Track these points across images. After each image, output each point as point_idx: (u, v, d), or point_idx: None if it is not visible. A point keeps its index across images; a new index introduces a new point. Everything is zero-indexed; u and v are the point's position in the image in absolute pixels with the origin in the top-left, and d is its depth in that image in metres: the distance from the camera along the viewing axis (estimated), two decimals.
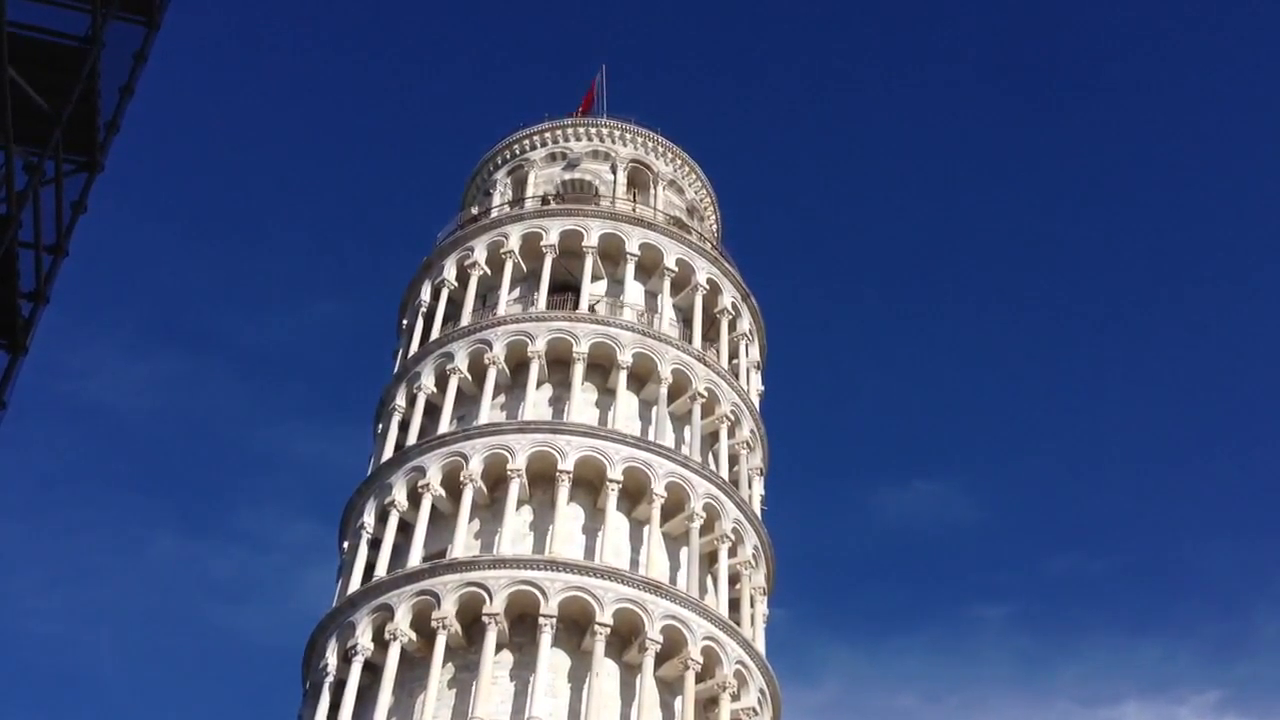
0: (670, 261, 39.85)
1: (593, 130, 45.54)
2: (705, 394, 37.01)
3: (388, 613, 31.00)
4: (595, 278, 39.17)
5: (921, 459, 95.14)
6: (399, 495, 33.88)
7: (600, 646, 29.90)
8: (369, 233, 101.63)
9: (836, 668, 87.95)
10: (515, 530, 32.69)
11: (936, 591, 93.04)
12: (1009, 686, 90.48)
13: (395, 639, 30.48)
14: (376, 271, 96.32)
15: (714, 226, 47.46)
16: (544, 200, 42.80)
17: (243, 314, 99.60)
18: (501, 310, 37.86)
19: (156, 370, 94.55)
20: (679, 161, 46.37)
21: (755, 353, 41.89)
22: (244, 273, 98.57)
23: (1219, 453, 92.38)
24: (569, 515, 32.80)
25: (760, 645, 34.13)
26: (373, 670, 30.88)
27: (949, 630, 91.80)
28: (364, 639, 31.08)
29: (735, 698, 31.64)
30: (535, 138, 45.51)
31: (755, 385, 41.15)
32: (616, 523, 33.15)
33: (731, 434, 37.69)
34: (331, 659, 31.41)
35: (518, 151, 45.55)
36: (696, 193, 46.84)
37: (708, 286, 40.33)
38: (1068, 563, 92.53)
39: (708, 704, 31.76)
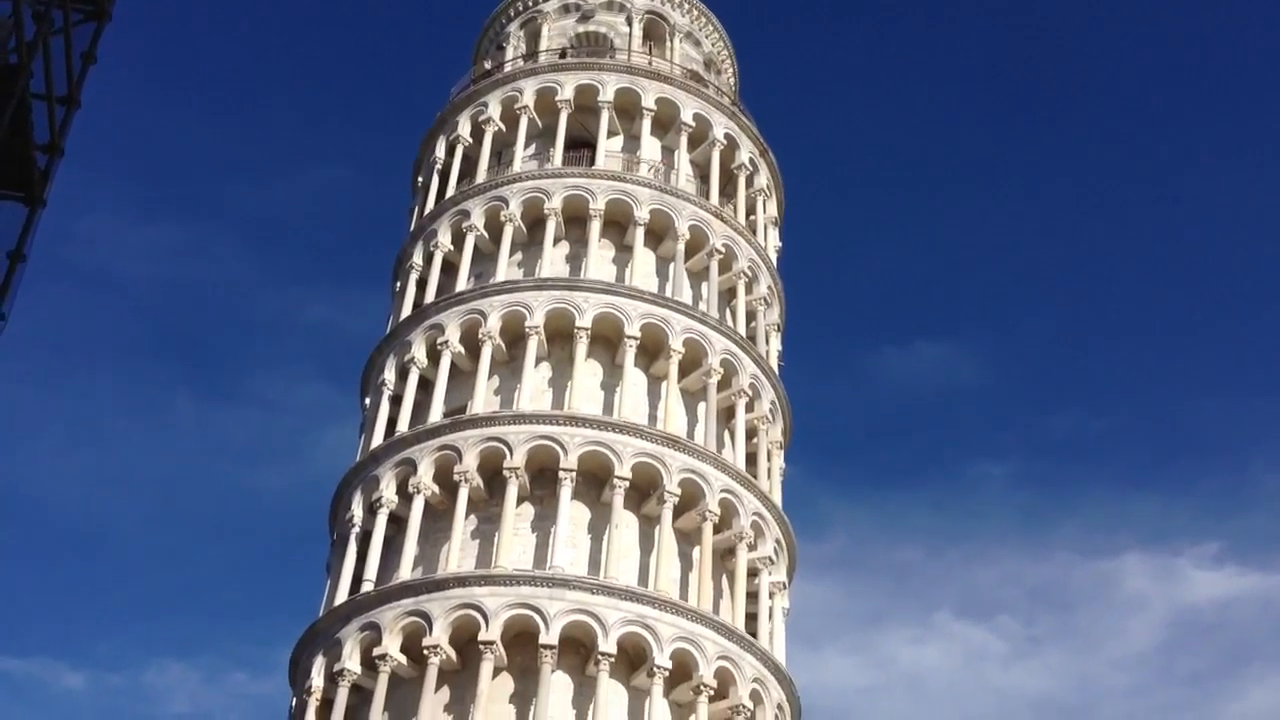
0: (687, 116, 39.25)
1: None
2: (722, 250, 36.88)
3: (410, 467, 31.54)
4: (611, 133, 38.67)
5: (925, 320, 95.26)
6: (418, 353, 34.15)
7: (619, 499, 30.44)
8: (377, 95, 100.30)
9: (842, 522, 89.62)
10: (534, 387, 33.01)
11: (940, 450, 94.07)
12: (1011, 540, 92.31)
13: (419, 492, 31.07)
14: (383, 135, 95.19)
15: (731, 80, 46.55)
16: (560, 55, 42.00)
17: (247, 179, 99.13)
18: (517, 167, 37.53)
19: (161, 236, 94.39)
20: (695, 13, 45.25)
21: (773, 209, 41.57)
22: (248, 136, 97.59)
23: (1217, 313, 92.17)
24: (587, 371, 33.07)
25: (777, 498, 34.68)
26: (397, 522, 31.57)
27: (952, 487, 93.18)
28: (388, 492, 31.69)
29: (752, 548, 32.32)
30: None
31: (773, 241, 40.97)
32: (634, 379, 33.40)
33: (749, 290, 37.67)
34: (357, 511, 32.10)
35: (530, 3, 44.49)
36: (714, 45, 45.83)
37: (725, 142, 39.80)
38: (1068, 421, 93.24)
39: (725, 554, 32.48)
